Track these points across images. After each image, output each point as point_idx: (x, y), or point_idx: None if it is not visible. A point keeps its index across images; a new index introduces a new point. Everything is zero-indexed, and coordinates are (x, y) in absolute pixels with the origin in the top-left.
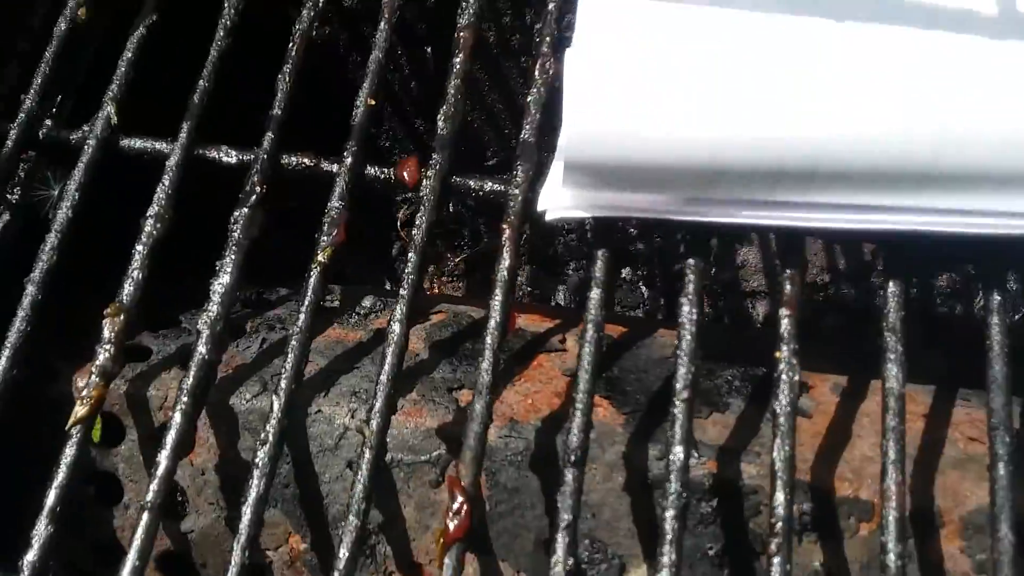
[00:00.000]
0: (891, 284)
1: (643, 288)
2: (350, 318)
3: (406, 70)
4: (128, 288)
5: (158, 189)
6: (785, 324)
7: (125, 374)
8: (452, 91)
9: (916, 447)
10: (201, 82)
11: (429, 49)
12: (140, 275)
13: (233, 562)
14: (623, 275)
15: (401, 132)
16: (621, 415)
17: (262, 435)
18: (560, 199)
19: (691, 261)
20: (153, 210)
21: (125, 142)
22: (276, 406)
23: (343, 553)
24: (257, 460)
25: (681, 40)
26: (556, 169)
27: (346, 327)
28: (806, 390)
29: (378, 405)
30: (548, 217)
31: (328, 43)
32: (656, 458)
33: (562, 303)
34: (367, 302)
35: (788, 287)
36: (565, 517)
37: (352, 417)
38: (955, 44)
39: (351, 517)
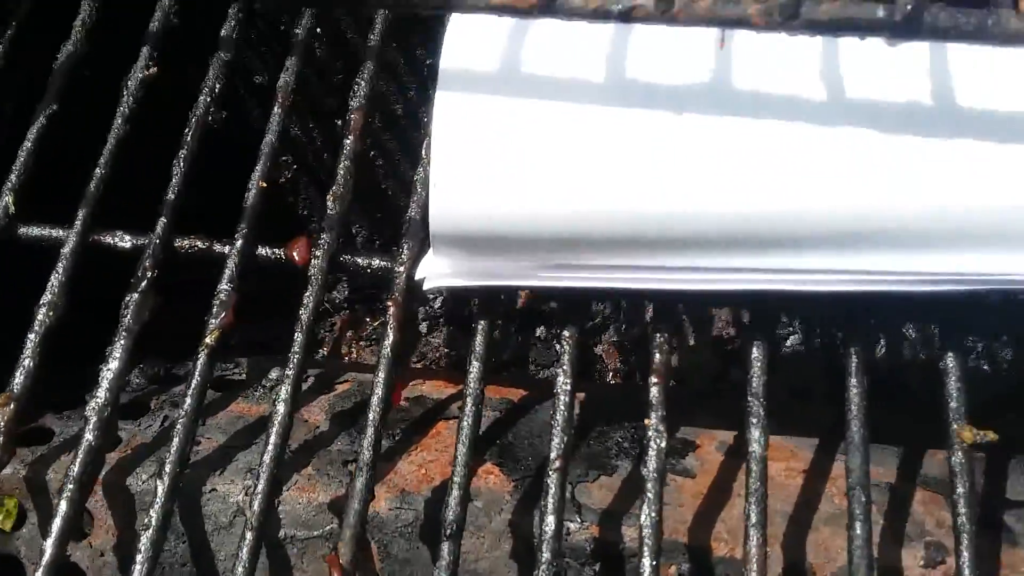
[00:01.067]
0: (754, 349)
1: (556, 346)
2: (255, 391)
3: (318, 143)
4: (19, 377)
5: (52, 277)
6: (653, 392)
7: (25, 457)
8: (342, 172)
9: (792, 503)
10: (98, 170)
11: (340, 122)
12: (31, 363)
13: None
14: (537, 333)
15: (318, 203)
16: (511, 482)
17: (145, 519)
18: (434, 268)
19: (566, 332)
20: (46, 298)
21: (23, 230)
22: (160, 490)
23: None
24: (140, 545)
25: (539, 118)
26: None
27: (250, 401)
28: (692, 449)
29: (260, 487)
30: (425, 286)
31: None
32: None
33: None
34: (274, 374)
35: (657, 355)
36: None
37: (246, 495)
38: (784, 125)
39: None
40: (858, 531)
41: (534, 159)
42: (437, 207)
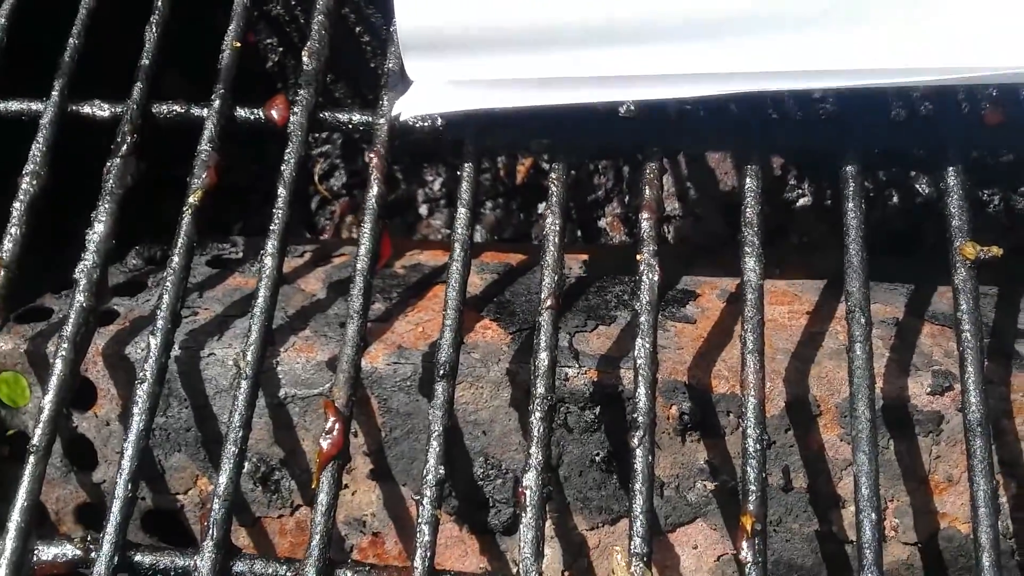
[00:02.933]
0: (747, 179)
1: None
2: (251, 266)
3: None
4: (8, 245)
5: (33, 147)
6: (644, 227)
7: (26, 333)
8: (316, 27)
9: (795, 342)
10: (71, 40)
11: None
12: (19, 232)
13: (116, 495)
14: (540, 210)
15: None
16: (508, 335)
17: (140, 374)
18: (410, 96)
19: (553, 174)
20: (29, 168)
21: (1, 105)
22: (153, 344)
23: (222, 480)
24: (136, 397)
25: None
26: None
27: (246, 275)
28: (693, 298)
29: (253, 336)
30: (402, 117)
31: None
32: None
33: (480, 241)
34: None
35: (647, 190)
36: (435, 428)
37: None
38: None
39: (228, 445)
40: (858, 352)
41: None
42: (403, 10)
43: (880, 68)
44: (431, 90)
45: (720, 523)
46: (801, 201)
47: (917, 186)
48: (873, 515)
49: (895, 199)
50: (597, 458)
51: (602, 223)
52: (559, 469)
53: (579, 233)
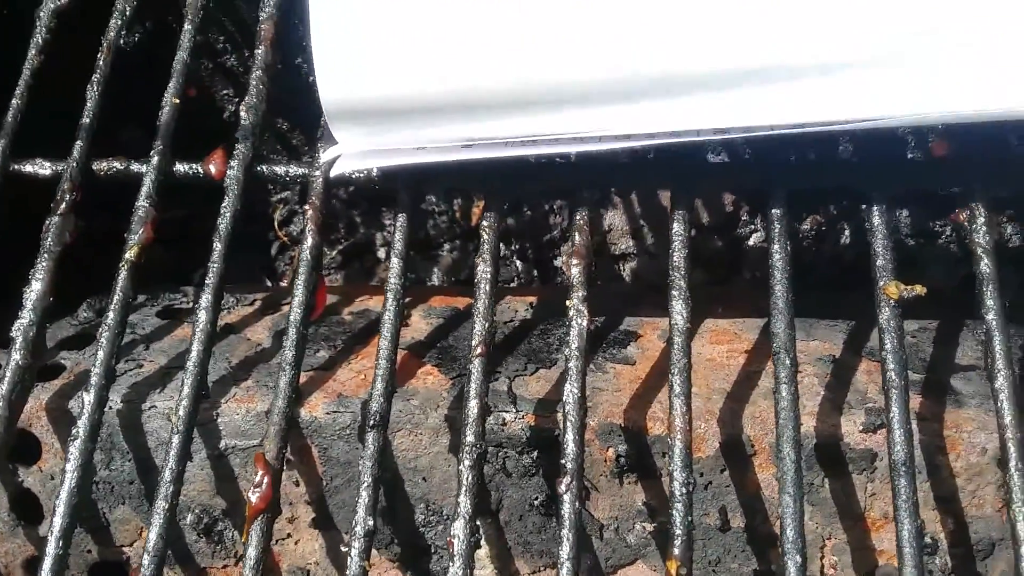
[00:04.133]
0: (675, 223)
1: (517, 262)
2: None
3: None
4: None
5: None
6: (575, 273)
7: None
8: (254, 82)
9: (732, 381)
10: (14, 100)
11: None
12: None
13: (47, 552)
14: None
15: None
16: (448, 380)
17: (73, 431)
18: (340, 153)
19: (485, 222)
20: None
21: None
22: (87, 401)
23: (152, 536)
24: (69, 454)
25: None
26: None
27: None
28: (634, 339)
29: (185, 390)
30: (332, 173)
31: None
32: None
33: (437, 284)
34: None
35: (577, 236)
36: (365, 479)
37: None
38: None
39: (159, 500)
40: (784, 394)
41: (410, 21)
42: (325, 81)
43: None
44: (361, 151)
45: (660, 564)
46: (753, 237)
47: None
48: (798, 557)
49: (847, 232)
50: (536, 502)
51: (558, 262)
52: (499, 514)
53: (535, 273)
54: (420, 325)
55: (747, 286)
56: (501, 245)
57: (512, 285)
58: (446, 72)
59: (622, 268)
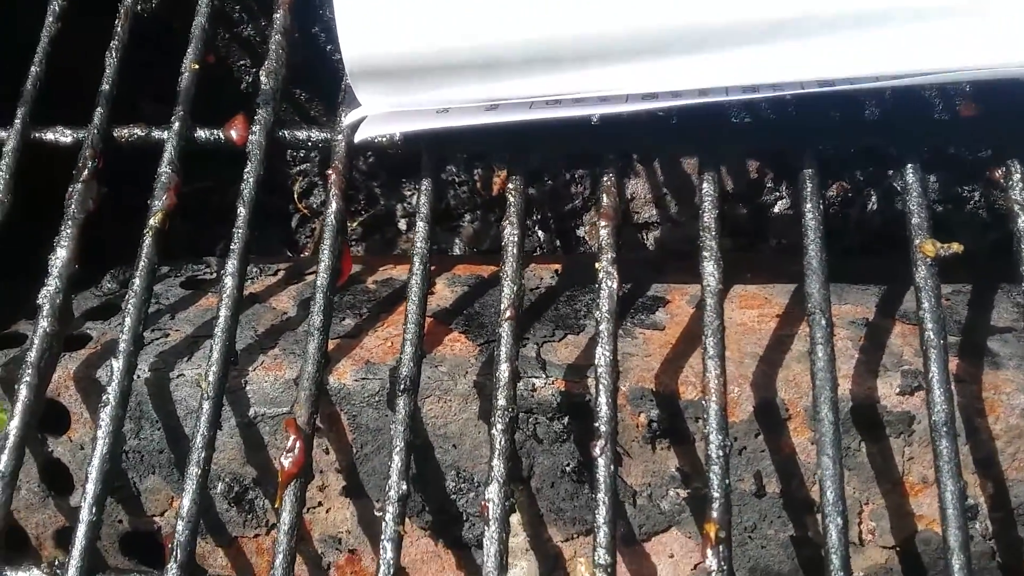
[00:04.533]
0: (704, 183)
1: (539, 232)
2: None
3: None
4: None
5: None
6: (603, 235)
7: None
8: (273, 47)
9: (764, 346)
10: (33, 68)
11: None
12: None
13: (80, 519)
14: None
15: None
16: (476, 347)
17: (103, 398)
18: (363, 119)
19: (511, 185)
20: None
21: None
22: (115, 367)
23: (185, 502)
24: (100, 421)
25: None
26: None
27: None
28: (662, 304)
29: (214, 356)
30: (356, 139)
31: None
32: None
33: (458, 253)
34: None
35: (604, 198)
36: (397, 443)
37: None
38: None
39: (191, 467)
40: (819, 354)
41: None
42: (348, 40)
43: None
44: (384, 113)
45: (695, 531)
46: (778, 204)
47: (896, 184)
48: (839, 519)
49: (873, 199)
50: (568, 468)
51: (580, 232)
52: (531, 481)
53: (557, 243)
54: (445, 293)
55: (774, 253)
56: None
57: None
58: (469, 30)
59: (645, 237)
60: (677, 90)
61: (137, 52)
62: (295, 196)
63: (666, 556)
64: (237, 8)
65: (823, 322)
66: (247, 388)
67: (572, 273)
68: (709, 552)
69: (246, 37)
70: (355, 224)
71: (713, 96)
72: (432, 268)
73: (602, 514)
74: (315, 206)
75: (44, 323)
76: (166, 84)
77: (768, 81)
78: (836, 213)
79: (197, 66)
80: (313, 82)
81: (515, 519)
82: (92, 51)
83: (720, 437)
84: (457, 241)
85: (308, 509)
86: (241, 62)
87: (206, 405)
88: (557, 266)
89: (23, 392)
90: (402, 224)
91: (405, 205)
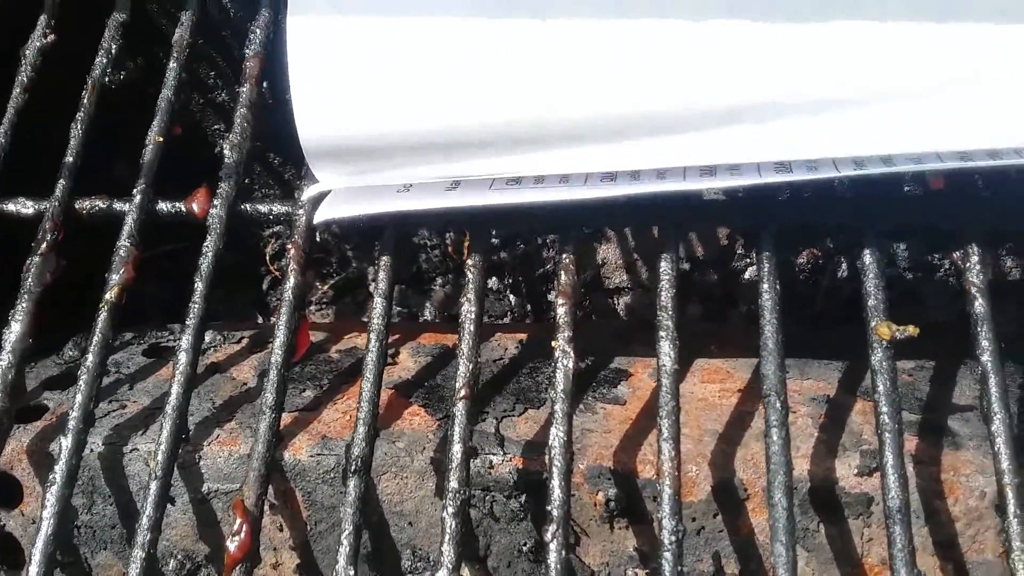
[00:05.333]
0: (663, 263)
1: (510, 296)
2: None
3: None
4: None
5: None
6: (560, 312)
7: None
8: (238, 120)
9: (724, 423)
10: None
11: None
12: None
13: None
14: (490, 285)
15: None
16: (435, 421)
17: (50, 476)
18: (321, 189)
19: (470, 261)
20: None
21: None
22: (64, 445)
23: None
24: (46, 501)
25: (393, 26)
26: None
27: None
28: (625, 378)
29: (163, 435)
30: (316, 220)
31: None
32: None
33: (429, 318)
34: (207, 337)
35: (563, 276)
36: (346, 527)
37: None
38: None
39: (136, 550)
40: (775, 438)
41: (391, 61)
42: (304, 121)
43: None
44: (344, 189)
45: None
46: (749, 271)
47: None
48: None
49: (844, 266)
50: (525, 548)
51: (552, 296)
52: (487, 560)
53: (528, 308)
54: (408, 363)
55: (742, 322)
56: (494, 279)
57: (505, 320)
58: (427, 111)
59: (616, 302)
60: (636, 170)
61: (112, 113)
62: (267, 258)
63: None
64: (212, 74)
65: (778, 404)
66: (200, 464)
67: (537, 343)
68: None
69: (220, 103)
70: (326, 287)
71: (671, 178)
72: (397, 336)
73: None
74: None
75: None
76: (140, 148)
77: (726, 162)
78: (807, 279)
79: (161, 139)
80: (286, 147)
81: None
82: (60, 120)
83: (673, 522)
84: (428, 305)
85: None
86: (215, 127)
87: (153, 485)
88: (522, 336)
89: None
90: (373, 287)
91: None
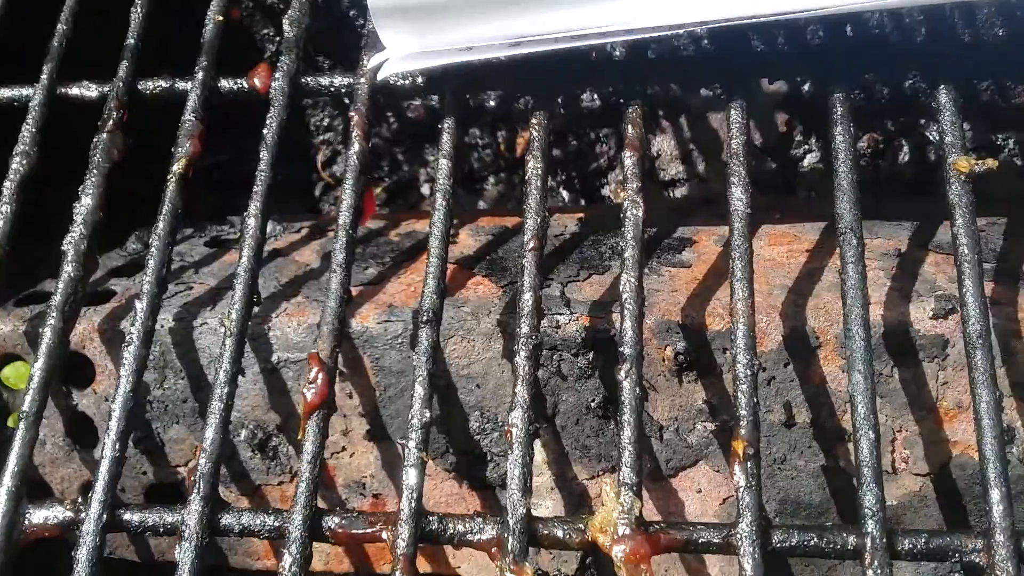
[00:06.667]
0: (732, 110)
1: (563, 192)
2: None
3: None
4: None
5: (23, 129)
6: (628, 164)
7: (25, 315)
8: None
9: (793, 278)
10: (60, 25)
11: None
12: (9, 209)
13: (103, 454)
14: None
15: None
16: (499, 288)
17: (127, 337)
18: (385, 56)
19: (533, 119)
20: (19, 148)
21: None
22: (139, 307)
23: (208, 434)
24: (123, 360)
25: None
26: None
27: None
28: (689, 244)
29: (237, 294)
30: (380, 76)
31: None
32: None
33: None
34: (268, 228)
35: (630, 128)
36: (419, 372)
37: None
38: None
39: (214, 401)
40: (850, 273)
41: None
42: None
43: None
44: (407, 55)
45: (723, 465)
46: (808, 158)
47: (928, 133)
48: (871, 434)
49: (905, 149)
50: (593, 404)
51: (606, 191)
52: (555, 419)
53: (582, 202)
54: (468, 242)
55: (803, 199)
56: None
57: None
58: None
59: (672, 194)
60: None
61: (158, 21)
62: (318, 165)
63: (694, 491)
64: None
65: (854, 241)
66: (270, 334)
67: (597, 221)
68: (737, 469)
69: (269, 5)
70: (378, 191)
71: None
72: (455, 222)
73: (627, 435)
74: (338, 174)
75: (68, 268)
76: (184, 60)
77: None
78: (868, 164)
79: (221, 18)
80: (336, 49)
81: (539, 458)
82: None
83: (748, 357)
84: (481, 203)
85: (332, 455)
86: (264, 31)
87: (228, 342)
88: (581, 215)
89: (47, 335)
90: (425, 189)
91: (428, 170)
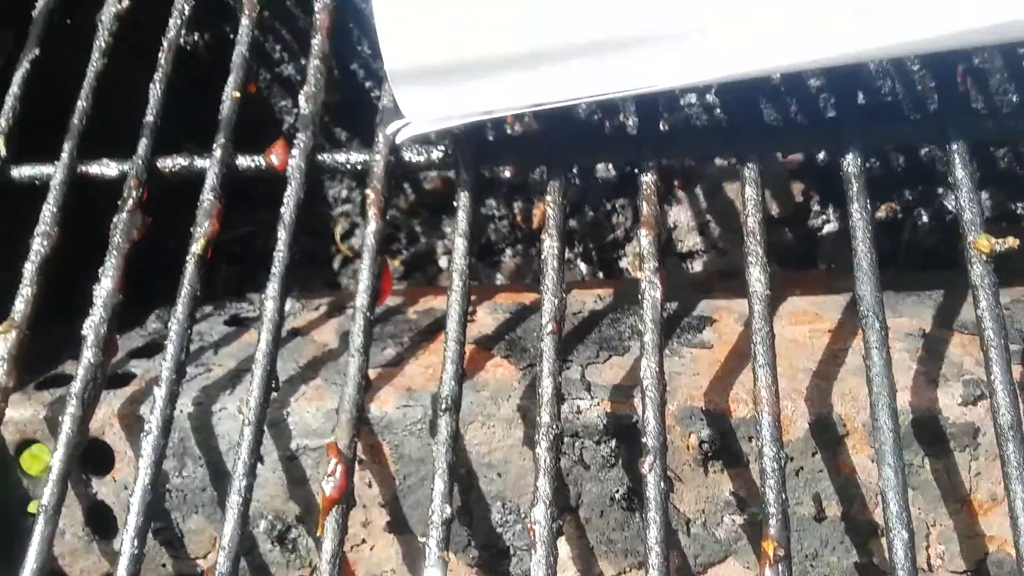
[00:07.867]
0: (747, 189)
1: (581, 265)
2: None
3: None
4: (19, 305)
5: (43, 208)
6: (644, 244)
7: (45, 400)
8: (312, 71)
9: (817, 361)
10: (80, 103)
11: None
12: (30, 291)
13: (122, 551)
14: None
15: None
16: (519, 371)
17: (146, 426)
18: (405, 120)
19: (548, 197)
20: (40, 229)
21: (15, 172)
22: (158, 395)
23: (227, 531)
24: (142, 450)
25: None
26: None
27: None
28: (709, 324)
29: (255, 381)
30: (398, 140)
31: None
32: None
33: None
34: (286, 306)
35: (645, 206)
36: (439, 465)
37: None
38: None
39: (232, 495)
40: (875, 359)
41: None
42: (389, 39)
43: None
44: (423, 123)
45: (753, 560)
46: (827, 228)
47: (946, 203)
48: (904, 533)
49: (924, 218)
50: (617, 495)
51: (623, 263)
52: (579, 510)
53: (599, 275)
54: (486, 320)
55: (823, 273)
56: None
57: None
58: (512, 24)
59: (690, 267)
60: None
61: (177, 99)
62: (337, 237)
63: None
64: (277, 48)
65: (876, 325)
66: (289, 420)
67: (616, 296)
68: (768, 573)
69: (286, 76)
70: (396, 263)
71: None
72: (473, 298)
73: (654, 534)
74: (357, 247)
75: (88, 353)
76: (204, 131)
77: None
78: (887, 235)
79: (239, 94)
80: (352, 121)
81: (564, 553)
82: (134, 86)
83: (774, 449)
84: (498, 276)
85: (352, 547)
86: (282, 103)
87: (247, 431)
88: (600, 291)
89: (67, 423)
90: (443, 262)
91: (446, 242)
